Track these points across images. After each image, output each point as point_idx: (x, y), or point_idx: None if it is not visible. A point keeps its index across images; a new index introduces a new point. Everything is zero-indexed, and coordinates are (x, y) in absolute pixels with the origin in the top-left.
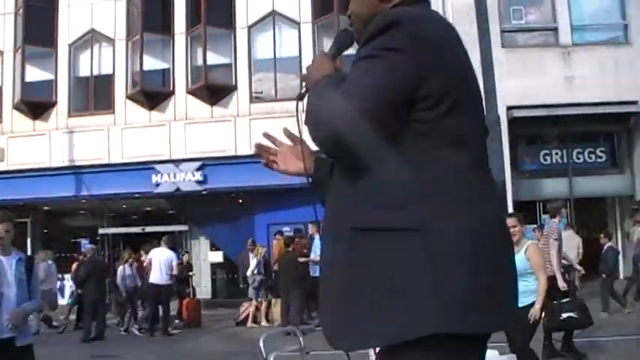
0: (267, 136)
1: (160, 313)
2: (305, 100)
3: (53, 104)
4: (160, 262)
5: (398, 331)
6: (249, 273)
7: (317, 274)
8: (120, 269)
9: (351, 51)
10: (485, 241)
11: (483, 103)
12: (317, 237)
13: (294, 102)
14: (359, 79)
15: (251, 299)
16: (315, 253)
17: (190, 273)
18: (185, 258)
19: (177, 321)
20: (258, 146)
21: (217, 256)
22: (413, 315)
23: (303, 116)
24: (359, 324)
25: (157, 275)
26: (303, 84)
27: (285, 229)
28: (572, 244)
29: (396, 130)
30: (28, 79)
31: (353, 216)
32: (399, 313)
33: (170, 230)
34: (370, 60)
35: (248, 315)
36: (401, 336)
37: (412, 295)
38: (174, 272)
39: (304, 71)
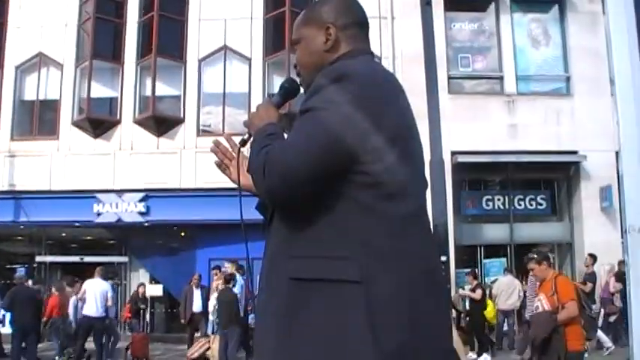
0: (228, 140)
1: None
2: (247, 146)
3: None
4: (94, 293)
5: None
6: (211, 308)
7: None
8: (73, 299)
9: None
10: (424, 294)
11: (423, 153)
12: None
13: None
14: (305, 129)
15: (208, 335)
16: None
17: (142, 306)
18: (141, 290)
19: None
20: (217, 143)
21: (156, 290)
22: None
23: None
24: None
25: (92, 308)
26: (246, 130)
27: (227, 264)
28: (512, 289)
29: (339, 182)
30: None
31: (290, 266)
32: None
33: (109, 261)
34: (316, 112)
35: (204, 352)
36: None
37: (352, 346)
38: (110, 304)
39: (248, 116)
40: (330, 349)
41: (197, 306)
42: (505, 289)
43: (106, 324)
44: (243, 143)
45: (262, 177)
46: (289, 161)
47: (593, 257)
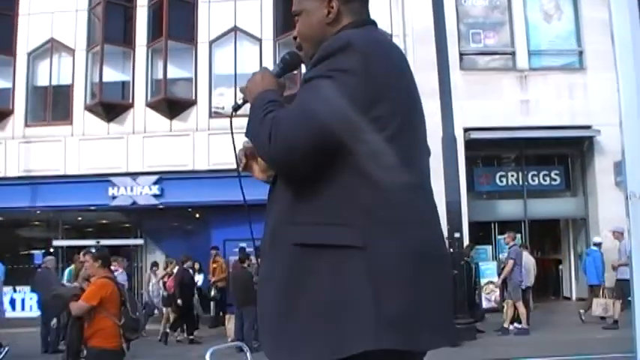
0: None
1: None
2: (246, 111)
3: (10, 113)
4: None
5: (334, 347)
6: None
7: None
8: (153, 282)
9: None
10: (425, 263)
11: (426, 124)
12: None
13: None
14: (309, 98)
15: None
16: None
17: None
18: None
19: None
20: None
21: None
22: (351, 330)
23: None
24: (295, 340)
25: None
26: (241, 96)
27: (242, 244)
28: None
29: (343, 150)
30: None
31: (294, 232)
32: (336, 329)
33: (125, 244)
34: (321, 80)
35: None
36: (336, 351)
37: (352, 310)
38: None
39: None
40: (332, 311)
41: None
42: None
43: None
44: (236, 108)
45: (268, 143)
46: (295, 130)
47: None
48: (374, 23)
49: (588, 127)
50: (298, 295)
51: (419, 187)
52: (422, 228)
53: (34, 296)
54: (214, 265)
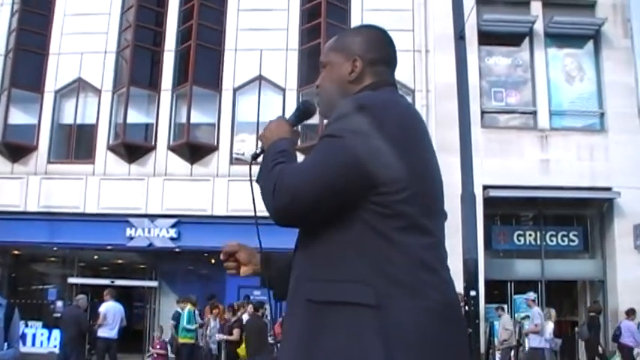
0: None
1: None
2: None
3: (34, 149)
4: (113, 315)
5: None
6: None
7: None
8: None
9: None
10: (443, 325)
11: (443, 186)
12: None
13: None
14: (318, 155)
15: None
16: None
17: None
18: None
19: None
20: (225, 253)
21: None
22: None
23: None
24: None
25: (111, 330)
26: (260, 144)
27: (256, 292)
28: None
29: (354, 209)
30: (11, 121)
31: (309, 288)
32: None
33: (139, 285)
34: (333, 139)
35: None
36: None
37: None
38: (124, 324)
39: (261, 131)
40: None
41: None
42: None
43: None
44: (255, 157)
45: (272, 196)
46: (300, 185)
47: None
48: (394, 85)
49: (608, 189)
50: (312, 354)
51: (435, 251)
52: (439, 289)
53: (45, 332)
54: (216, 311)
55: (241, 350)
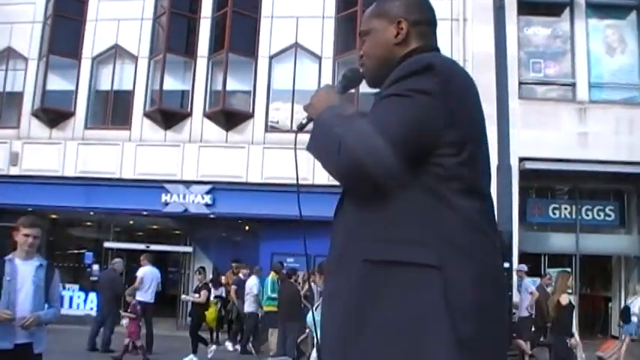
0: None
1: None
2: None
3: (71, 115)
4: (151, 280)
5: None
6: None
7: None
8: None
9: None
10: (495, 289)
11: (489, 154)
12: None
13: (305, 133)
14: (387, 113)
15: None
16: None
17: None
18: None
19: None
20: None
21: None
22: (424, 352)
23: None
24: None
25: (148, 294)
26: (305, 114)
27: (289, 259)
28: None
29: (416, 169)
30: (49, 87)
31: (364, 249)
32: (408, 349)
33: (174, 250)
34: (400, 98)
35: None
36: None
37: (426, 331)
38: (159, 289)
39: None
40: (404, 332)
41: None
42: None
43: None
44: (301, 127)
45: (336, 155)
46: (366, 142)
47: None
48: (439, 50)
49: None
50: (367, 315)
51: (486, 215)
52: (492, 254)
53: (82, 295)
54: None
55: (209, 314)
